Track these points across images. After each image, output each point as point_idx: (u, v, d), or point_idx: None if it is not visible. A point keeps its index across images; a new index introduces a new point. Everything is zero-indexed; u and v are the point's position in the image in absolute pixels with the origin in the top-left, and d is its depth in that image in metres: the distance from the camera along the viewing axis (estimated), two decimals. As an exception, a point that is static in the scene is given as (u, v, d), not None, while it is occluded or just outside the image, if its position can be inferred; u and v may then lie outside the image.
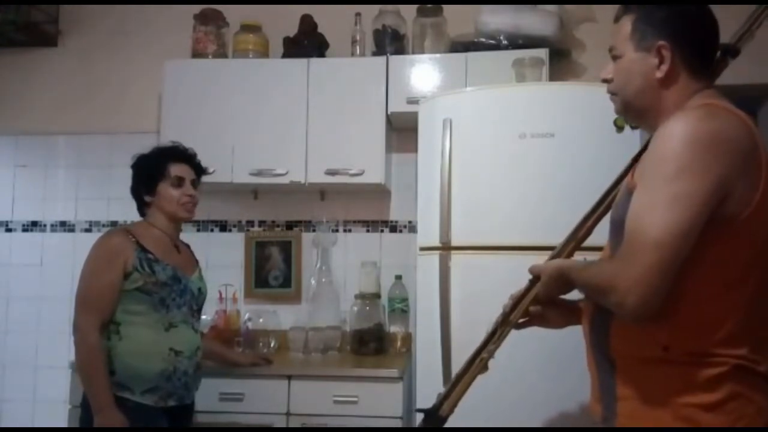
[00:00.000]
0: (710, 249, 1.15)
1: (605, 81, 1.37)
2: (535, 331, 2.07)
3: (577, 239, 1.43)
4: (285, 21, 2.97)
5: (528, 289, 1.44)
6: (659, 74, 1.26)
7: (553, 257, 1.43)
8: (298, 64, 2.79)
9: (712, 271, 1.16)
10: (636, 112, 1.34)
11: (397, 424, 2.37)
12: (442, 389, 2.07)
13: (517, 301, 1.45)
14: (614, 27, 1.35)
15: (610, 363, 1.28)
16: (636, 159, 1.35)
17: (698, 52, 1.28)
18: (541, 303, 1.44)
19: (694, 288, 1.16)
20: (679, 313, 1.17)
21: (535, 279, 1.43)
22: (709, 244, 1.14)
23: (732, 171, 1.13)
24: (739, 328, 1.16)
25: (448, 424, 1.46)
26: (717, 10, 1.30)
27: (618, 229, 1.25)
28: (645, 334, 1.19)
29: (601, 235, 1.40)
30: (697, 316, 1.17)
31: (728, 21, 1.34)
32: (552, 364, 2.02)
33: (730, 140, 1.14)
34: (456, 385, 1.46)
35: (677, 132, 1.16)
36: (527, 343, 2.04)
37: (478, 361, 1.47)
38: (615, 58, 1.34)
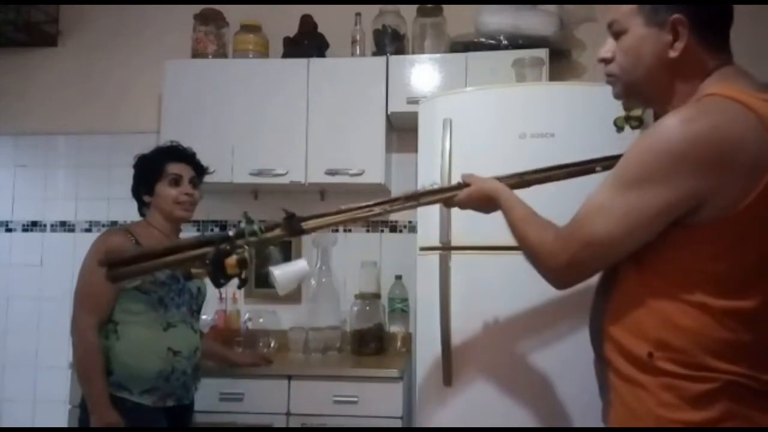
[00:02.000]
0: (693, 256, 1.09)
1: (603, 60, 1.25)
2: (535, 331, 2.07)
3: (524, 179, 1.52)
4: (285, 21, 2.97)
5: (451, 188, 1.51)
6: (674, 53, 1.14)
7: (497, 179, 1.50)
8: (298, 64, 2.79)
9: (698, 281, 1.09)
10: (642, 96, 1.23)
11: (397, 424, 2.37)
12: (442, 389, 2.09)
13: (435, 191, 1.52)
14: (612, 5, 1.21)
15: (605, 364, 1.25)
16: None
17: (715, 26, 1.15)
18: (451, 206, 1.51)
19: (678, 297, 1.10)
20: (663, 321, 1.11)
21: (464, 185, 1.48)
22: (691, 251, 1.09)
23: (706, 180, 1.04)
24: (735, 341, 1.07)
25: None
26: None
27: None
28: (635, 338, 1.15)
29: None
30: (681, 325, 1.10)
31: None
32: (552, 364, 2.02)
33: (712, 144, 1.04)
34: (335, 213, 1.45)
35: (657, 134, 1.10)
36: (527, 343, 2.04)
37: (367, 209, 1.46)
38: (617, 34, 1.20)
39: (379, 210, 1.45)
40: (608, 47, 1.23)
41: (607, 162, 1.49)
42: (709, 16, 1.14)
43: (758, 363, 1.08)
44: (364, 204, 1.46)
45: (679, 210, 1.08)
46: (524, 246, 1.31)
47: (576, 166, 1.53)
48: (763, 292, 1.08)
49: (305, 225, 1.42)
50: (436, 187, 1.52)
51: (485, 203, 1.45)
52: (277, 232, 1.40)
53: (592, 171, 1.52)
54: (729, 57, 1.17)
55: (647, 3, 1.17)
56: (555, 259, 1.21)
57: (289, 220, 1.40)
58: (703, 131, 1.05)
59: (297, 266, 1.75)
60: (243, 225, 1.38)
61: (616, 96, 1.28)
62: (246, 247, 1.35)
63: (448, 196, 1.50)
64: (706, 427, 1.07)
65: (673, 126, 1.08)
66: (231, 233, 1.36)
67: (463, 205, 1.49)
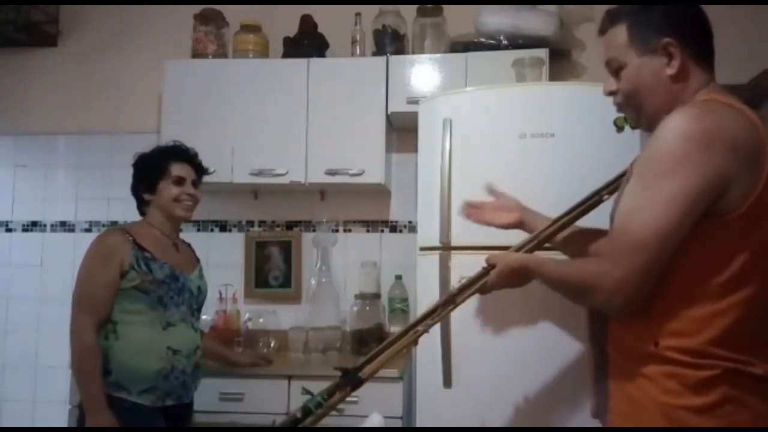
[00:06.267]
0: (704, 247, 1.14)
1: (611, 94, 1.34)
2: (535, 332, 2.07)
3: (540, 239, 1.51)
4: (285, 21, 2.97)
5: (479, 276, 1.48)
6: (671, 71, 1.24)
7: (513, 251, 1.50)
8: (298, 64, 2.79)
9: (707, 270, 1.14)
10: (650, 115, 1.30)
11: (397, 424, 2.37)
12: (442, 389, 2.09)
13: (466, 285, 1.49)
14: (604, 39, 1.33)
15: (605, 357, 1.28)
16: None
17: (702, 43, 1.27)
18: (488, 292, 1.48)
19: (686, 286, 1.15)
20: (670, 310, 1.16)
21: (490, 268, 1.47)
22: (703, 242, 1.14)
23: (726, 169, 1.11)
24: (737, 329, 1.13)
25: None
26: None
27: None
28: (641, 327, 1.19)
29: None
30: (688, 314, 1.15)
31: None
32: (552, 364, 2.02)
33: (726, 138, 1.13)
34: (382, 351, 1.45)
35: (671, 130, 1.16)
36: (527, 343, 2.04)
37: (412, 333, 1.47)
38: (617, 69, 1.31)
39: (423, 328, 1.46)
40: (610, 83, 1.33)
41: (611, 187, 1.51)
42: (694, 36, 1.26)
43: (757, 350, 1.13)
44: (407, 328, 1.47)
45: (710, 193, 1.11)
46: (572, 288, 1.28)
47: (583, 204, 1.53)
48: (758, 279, 1.14)
49: (362, 374, 1.43)
50: (464, 281, 1.49)
51: (517, 275, 1.43)
52: (339, 394, 1.42)
53: (600, 201, 1.52)
54: (713, 74, 1.28)
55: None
56: (608, 278, 1.17)
57: (345, 377, 1.42)
58: (715, 123, 1.14)
59: (372, 422, 1.68)
60: (307, 401, 1.40)
61: (635, 122, 1.37)
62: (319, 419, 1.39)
63: (481, 284, 1.47)
64: (700, 427, 1.12)
65: (685, 120, 1.16)
66: (299, 415, 1.39)
67: (497, 285, 1.46)
